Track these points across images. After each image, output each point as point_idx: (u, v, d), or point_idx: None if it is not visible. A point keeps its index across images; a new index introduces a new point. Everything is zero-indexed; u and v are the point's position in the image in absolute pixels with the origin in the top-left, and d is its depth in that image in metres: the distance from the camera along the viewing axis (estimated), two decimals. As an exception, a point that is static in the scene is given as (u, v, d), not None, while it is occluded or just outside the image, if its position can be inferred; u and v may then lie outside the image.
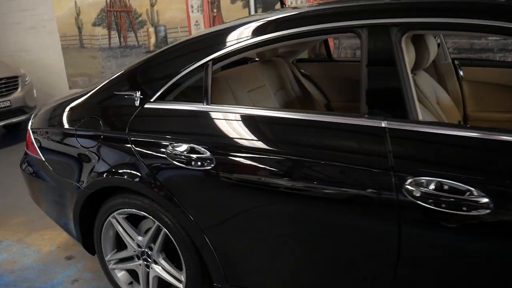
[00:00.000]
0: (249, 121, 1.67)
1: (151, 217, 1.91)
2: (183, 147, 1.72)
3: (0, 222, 3.27)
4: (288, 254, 1.64)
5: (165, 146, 1.77)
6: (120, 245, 2.17)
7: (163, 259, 2.01)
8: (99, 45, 5.40)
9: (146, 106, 1.88)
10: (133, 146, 1.85)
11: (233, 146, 1.64)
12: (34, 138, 2.31)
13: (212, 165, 1.66)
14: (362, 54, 1.49)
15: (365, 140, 1.44)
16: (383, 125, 1.40)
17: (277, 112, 1.65)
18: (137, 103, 1.90)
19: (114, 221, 2.05)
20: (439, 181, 1.28)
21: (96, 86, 2.17)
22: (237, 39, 1.74)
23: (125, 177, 1.87)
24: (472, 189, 1.24)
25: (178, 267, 1.99)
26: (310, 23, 1.60)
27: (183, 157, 1.72)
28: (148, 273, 2.08)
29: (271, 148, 1.58)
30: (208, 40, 1.83)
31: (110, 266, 2.18)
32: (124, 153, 1.88)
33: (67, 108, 2.23)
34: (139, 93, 1.91)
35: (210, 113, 1.74)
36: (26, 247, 2.88)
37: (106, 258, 2.17)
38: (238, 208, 1.66)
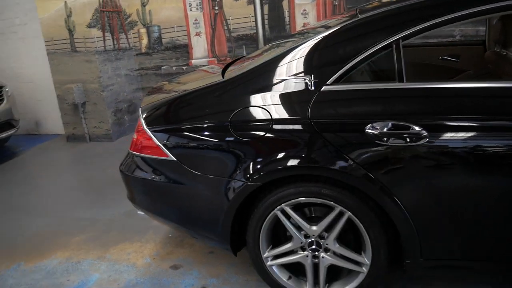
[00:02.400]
0: (462, 95, 1.70)
1: (332, 203, 1.86)
2: (386, 126, 1.71)
3: (61, 243, 2.93)
4: (493, 225, 1.70)
5: (362, 127, 1.74)
6: (274, 240, 2.09)
7: (339, 245, 1.96)
8: (95, 48, 5.01)
9: (324, 89, 1.83)
10: (319, 131, 1.79)
11: (448, 120, 1.66)
12: (158, 139, 2.12)
13: (425, 140, 1.66)
14: None
15: None
16: None
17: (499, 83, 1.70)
18: (311, 87, 1.84)
19: (279, 213, 1.96)
20: None
21: (232, 76, 2.05)
22: (432, 14, 1.74)
23: (312, 164, 1.80)
24: None
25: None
26: None
27: (387, 135, 1.71)
28: (315, 264, 2.02)
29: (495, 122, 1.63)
30: (396, 17, 1.82)
31: (268, 263, 2.08)
32: (308, 140, 1.82)
33: (199, 101, 2.09)
34: (313, 76, 1.85)
35: (412, 90, 1.75)
36: (115, 263, 2.62)
37: (265, 255, 2.06)
38: (450, 181, 1.69)
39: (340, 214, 1.88)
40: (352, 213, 1.85)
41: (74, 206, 3.53)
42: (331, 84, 1.83)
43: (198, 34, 5.34)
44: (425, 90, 1.74)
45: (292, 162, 1.84)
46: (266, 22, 5.07)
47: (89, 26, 4.96)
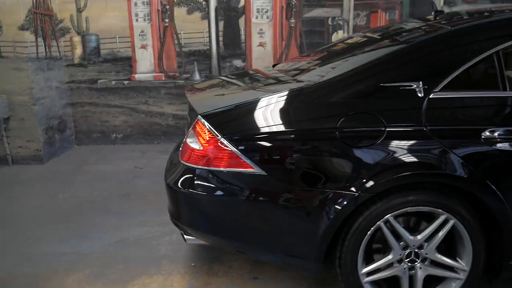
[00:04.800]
0: None
1: (441, 210, 1.85)
2: (502, 131, 1.78)
3: (55, 284, 2.35)
4: None
5: (479, 133, 1.78)
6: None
7: (438, 253, 1.94)
8: (27, 53, 4.23)
9: (433, 96, 1.83)
10: (434, 137, 1.78)
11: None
12: (239, 149, 1.87)
13: (537, 144, 1.78)
14: None
15: None
16: None
17: None
18: (421, 94, 1.84)
19: (382, 225, 1.87)
20: None
21: (328, 78, 1.94)
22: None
23: (434, 170, 1.78)
24: None
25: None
26: None
27: (502, 139, 1.78)
28: (409, 276, 1.96)
29: None
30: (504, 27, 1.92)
31: (365, 279, 1.95)
32: (424, 147, 1.79)
33: (290, 105, 1.92)
34: (421, 83, 1.84)
35: None
36: (147, 303, 2.19)
37: (362, 272, 1.93)
38: None
39: (445, 222, 1.88)
40: (458, 220, 1.86)
41: (39, 240, 2.87)
42: (440, 91, 1.84)
43: (144, 46, 4.94)
44: None
45: (413, 170, 1.78)
46: (221, 39, 4.94)
47: (22, 28, 4.20)
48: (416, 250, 1.93)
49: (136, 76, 5.01)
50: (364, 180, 1.79)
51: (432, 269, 1.95)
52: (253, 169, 1.86)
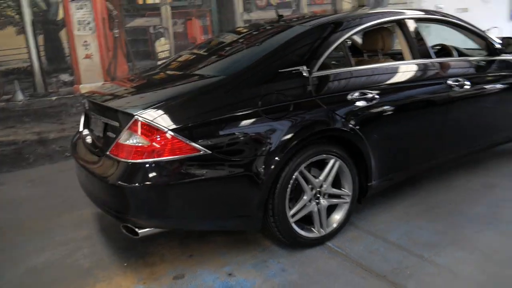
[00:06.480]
0: (387, 70, 2.85)
1: (331, 155, 2.59)
2: (358, 93, 2.63)
3: None
4: (418, 147, 2.96)
5: (345, 96, 2.58)
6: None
7: (332, 188, 2.66)
8: None
9: (314, 75, 2.54)
10: (321, 103, 2.50)
11: (384, 86, 2.76)
12: (183, 137, 2.19)
13: (376, 100, 2.69)
14: None
15: None
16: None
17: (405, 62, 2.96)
18: (306, 74, 2.52)
19: (297, 174, 2.48)
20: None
21: (238, 71, 2.45)
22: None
23: (327, 127, 2.49)
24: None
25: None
26: None
27: (359, 99, 2.62)
28: (318, 209, 2.63)
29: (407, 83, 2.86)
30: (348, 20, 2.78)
31: (292, 220, 2.51)
32: (318, 110, 2.48)
33: (216, 96, 2.33)
34: (305, 67, 2.53)
35: (364, 70, 2.73)
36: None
37: (289, 215, 2.49)
38: (395, 124, 2.80)
39: (334, 164, 2.62)
40: (342, 161, 2.63)
41: None
42: (317, 71, 2.57)
43: None
44: (371, 69, 2.78)
45: (316, 128, 2.45)
46: (42, 53, 4.69)
47: None
48: (319, 189, 2.61)
49: None
50: (287, 142, 2.35)
51: (331, 200, 2.68)
52: (200, 151, 2.21)
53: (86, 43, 4.89)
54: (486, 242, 2.59)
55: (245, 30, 3.33)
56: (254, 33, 3.08)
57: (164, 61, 4.09)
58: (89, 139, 2.80)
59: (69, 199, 3.64)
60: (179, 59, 3.32)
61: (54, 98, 4.74)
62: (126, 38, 5.11)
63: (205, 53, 3.14)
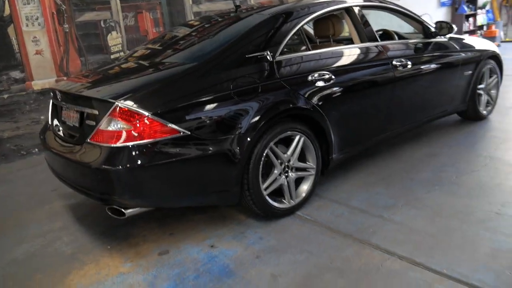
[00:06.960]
0: (340, 53, 3.12)
1: (296, 132, 2.83)
2: (317, 74, 2.89)
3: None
4: (370, 122, 3.27)
5: (306, 77, 2.84)
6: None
7: (298, 161, 2.92)
8: None
9: (277, 59, 2.77)
10: (285, 84, 2.74)
11: (339, 67, 3.04)
12: (163, 119, 2.34)
13: (333, 80, 2.97)
14: None
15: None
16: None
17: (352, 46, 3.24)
18: (270, 58, 2.74)
19: (268, 151, 2.70)
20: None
21: (210, 57, 2.62)
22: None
23: (292, 105, 2.72)
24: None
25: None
26: None
27: (319, 80, 2.89)
28: (287, 182, 2.88)
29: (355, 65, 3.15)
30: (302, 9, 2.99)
31: (265, 193, 2.74)
32: (283, 91, 2.71)
33: (191, 81, 2.49)
34: (269, 51, 2.74)
35: (321, 53, 2.99)
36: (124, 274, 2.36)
37: (263, 188, 2.71)
38: (351, 101, 3.09)
39: (299, 139, 2.86)
40: (306, 137, 2.89)
41: None
42: (280, 55, 2.79)
43: None
44: (328, 53, 3.04)
45: (283, 107, 2.68)
46: (-10, 50, 4.56)
47: None
48: (287, 163, 2.85)
49: None
50: (258, 120, 2.56)
51: (298, 173, 2.93)
52: (180, 133, 2.36)
53: (36, 39, 4.80)
54: (434, 200, 2.96)
55: (206, 20, 3.49)
56: (217, 22, 3.25)
57: (121, 54, 4.15)
58: (62, 130, 2.85)
59: (35, 195, 3.63)
60: (141, 51, 3.41)
61: (5, 96, 4.62)
62: (77, 32, 5.06)
63: (169, 44, 3.26)
